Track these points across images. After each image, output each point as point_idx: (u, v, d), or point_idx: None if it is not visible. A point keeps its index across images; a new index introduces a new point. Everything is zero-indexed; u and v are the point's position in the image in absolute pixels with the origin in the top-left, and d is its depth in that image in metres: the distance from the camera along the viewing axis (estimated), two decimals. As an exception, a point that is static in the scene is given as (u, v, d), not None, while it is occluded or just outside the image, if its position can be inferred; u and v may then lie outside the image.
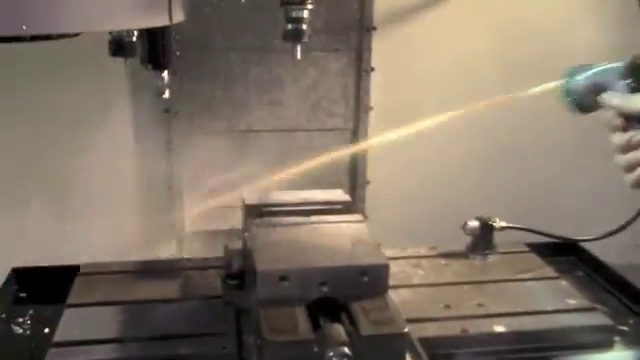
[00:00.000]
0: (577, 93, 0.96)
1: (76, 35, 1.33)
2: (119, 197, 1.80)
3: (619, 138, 0.91)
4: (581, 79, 0.96)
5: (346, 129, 1.81)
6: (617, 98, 0.92)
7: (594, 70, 0.96)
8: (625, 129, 0.91)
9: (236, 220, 1.72)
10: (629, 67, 0.92)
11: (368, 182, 1.84)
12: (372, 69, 1.79)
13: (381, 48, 1.79)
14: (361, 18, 1.75)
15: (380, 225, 1.41)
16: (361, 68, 1.78)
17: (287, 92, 1.76)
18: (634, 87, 0.91)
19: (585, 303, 1.35)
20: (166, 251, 1.81)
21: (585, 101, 0.96)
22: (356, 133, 1.81)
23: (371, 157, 1.84)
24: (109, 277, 1.43)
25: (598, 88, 0.94)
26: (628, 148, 0.89)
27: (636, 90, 0.92)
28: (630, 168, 0.89)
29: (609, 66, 0.94)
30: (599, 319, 1.30)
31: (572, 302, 1.35)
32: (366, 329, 1.06)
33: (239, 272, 1.29)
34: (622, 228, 1.42)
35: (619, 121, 0.91)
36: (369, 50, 1.77)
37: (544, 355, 1.23)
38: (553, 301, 1.34)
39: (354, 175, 1.82)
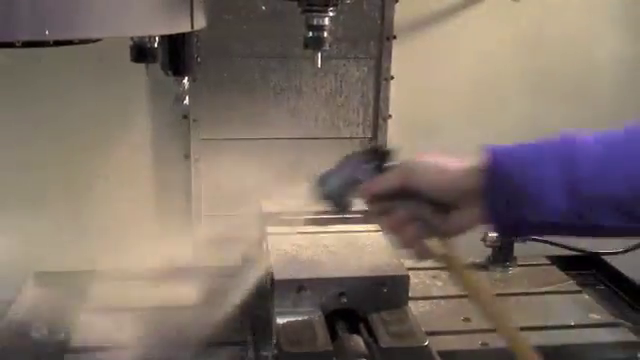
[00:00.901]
0: (334, 197, 0.97)
1: (98, 40, 1.34)
2: (136, 203, 1.79)
3: (388, 223, 0.91)
4: (332, 184, 0.97)
5: (365, 138, 1.80)
6: (367, 185, 0.93)
7: (341, 169, 0.97)
8: (387, 209, 0.91)
9: (253, 228, 1.71)
10: (367, 152, 0.95)
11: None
12: (391, 77, 1.77)
13: (401, 57, 1.77)
14: (381, 26, 1.73)
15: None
16: (380, 76, 1.77)
17: (306, 100, 1.75)
18: (375, 168, 0.93)
19: (609, 318, 1.32)
20: (183, 258, 1.80)
21: (343, 201, 0.97)
22: (375, 142, 1.80)
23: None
24: (126, 283, 1.43)
25: (349, 182, 0.95)
26: (398, 229, 0.90)
27: (378, 170, 0.93)
28: (408, 245, 0.91)
29: (348, 162, 0.96)
30: (623, 335, 1.27)
31: (595, 317, 1.32)
32: (386, 341, 1.04)
33: (258, 281, 1.28)
34: (645, 242, 1.40)
35: (381, 205, 0.92)
36: (389, 58, 1.76)
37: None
38: (576, 315, 1.32)
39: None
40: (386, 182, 0.90)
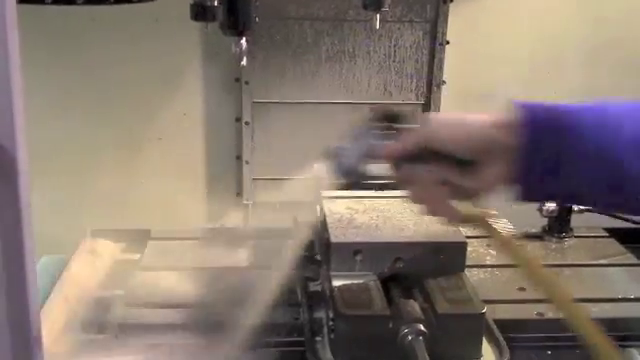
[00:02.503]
0: (351, 170, 0.93)
1: (154, -1, 1.33)
2: (187, 165, 1.81)
3: (415, 194, 0.88)
4: (349, 157, 0.92)
5: (417, 104, 1.77)
6: (384, 150, 0.89)
7: (355, 140, 0.92)
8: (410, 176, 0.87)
9: (304, 192, 1.71)
10: (378, 118, 0.90)
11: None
12: (447, 42, 1.74)
13: (457, 21, 1.73)
14: (438, -12, 1.69)
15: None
16: (436, 41, 1.73)
17: (359, 64, 1.72)
18: (385, 131, 0.89)
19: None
20: (232, 220, 1.82)
21: (359, 171, 0.93)
22: (427, 108, 1.77)
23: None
24: (179, 243, 1.44)
25: (368, 154, 0.91)
26: (425, 198, 0.87)
27: (388, 134, 0.89)
28: (436, 212, 0.88)
29: (360, 131, 0.92)
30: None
31: (656, 290, 1.29)
32: (443, 307, 1.03)
33: (310, 244, 1.28)
34: None
35: (403, 172, 0.87)
36: (445, 22, 1.72)
37: (623, 344, 1.18)
38: (634, 288, 1.28)
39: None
40: (405, 144, 0.85)
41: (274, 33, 1.69)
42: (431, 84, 1.76)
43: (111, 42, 1.68)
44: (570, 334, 1.16)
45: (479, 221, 0.88)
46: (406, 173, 0.87)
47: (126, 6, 1.35)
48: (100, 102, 1.74)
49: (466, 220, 0.89)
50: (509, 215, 1.46)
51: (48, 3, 1.04)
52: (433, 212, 0.88)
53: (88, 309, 1.24)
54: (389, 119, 0.90)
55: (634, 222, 1.49)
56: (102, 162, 1.78)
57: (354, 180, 0.96)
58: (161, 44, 1.68)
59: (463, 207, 0.86)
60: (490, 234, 0.89)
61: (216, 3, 1.10)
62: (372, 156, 0.90)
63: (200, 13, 1.11)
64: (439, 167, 0.83)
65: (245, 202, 1.79)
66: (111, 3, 1.12)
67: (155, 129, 1.78)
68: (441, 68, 1.75)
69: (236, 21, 1.13)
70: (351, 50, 1.72)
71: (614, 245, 1.45)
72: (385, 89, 1.75)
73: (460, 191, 0.84)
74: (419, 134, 0.85)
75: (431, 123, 0.85)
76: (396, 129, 0.89)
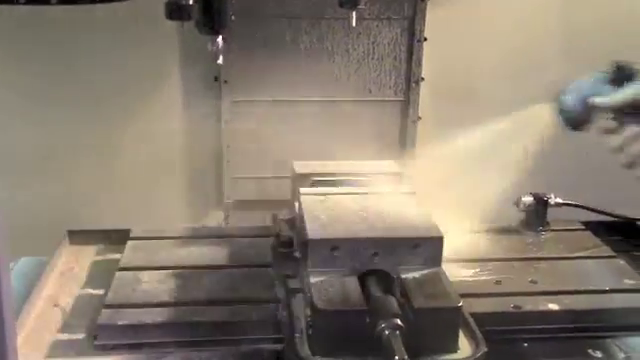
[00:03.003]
0: (569, 110, 1.00)
1: (131, -2, 1.33)
2: (168, 164, 1.81)
3: (616, 139, 0.92)
4: (570, 97, 0.99)
5: (397, 100, 1.78)
6: (601, 98, 0.94)
7: (581, 85, 0.99)
8: (618, 131, 0.92)
9: (284, 190, 1.72)
10: (611, 72, 0.95)
11: (418, 155, 1.81)
12: (425, 39, 1.75)
13: (435, 18, 1.74)
14: (415, -14, 1.71)
15: (429, 198, 1.39)
16: (414, 38, 1.74)
17: (338, 61, 1.73)
18: (617, 87, 0.94)
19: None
20: (213, 219, 1.82)
21: (578, 116, 0.99)
22: (407, 104, 1.78)
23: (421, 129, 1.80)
24: (159, 242, 1.44)
25: (587, 101, 0.97)
26: (626, 144, 0.90)
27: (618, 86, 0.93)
28: (631, 164, 0.91)
29: (594, 77, 0.98)
30: (658, 300, 1.26)
31: (630, 282, 1.31)
32: (419, 302, 1.04)
33: (289, 241, 1.29)
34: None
35: (612, 124, 0.92)
36: (423, 19, 1.73)
37: (598, 335, 1.20)
38: (609, 280, 1.30)
39: (404, 147, 1.80)
40: (620, 97, 0.90)
41: (253, 32, 1.69)
42: (410, 81, 1.77)
43: (89, 42, 1.67)
44: (546, 326, 1.20)
45: None
46: (614, 124, 0.92)
47: (103, 6, 1.35)
48: (79, 102, 1.73)
49: None
50: (485, 210, 1.49)
51: (21, 3, 1.04)
52: (630, 163, 0.92)
53: (68, 310, 1.24)
54: (622, 74, 0.95)
55: (610, 215, 1.51)
56: (82, 162, 1.78)
57: (572, 124, 1.01)
58: (140, 44, 1.68)
59: None
60: None
61: (191, 1, 1.09)
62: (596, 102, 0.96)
63: (175, 12, 1.10)
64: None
65: (226, 201, 1.79)
66: (86, 3, 1.11)
67: (135, 129, 1.78)
68: (419, 65, 1.76)
69: (212, 19, 1.12)
70: (330, 48, 1.72)
71: (590, 238, 1.47)
72: (364, 86, 1.76)
73: None
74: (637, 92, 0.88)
75: None
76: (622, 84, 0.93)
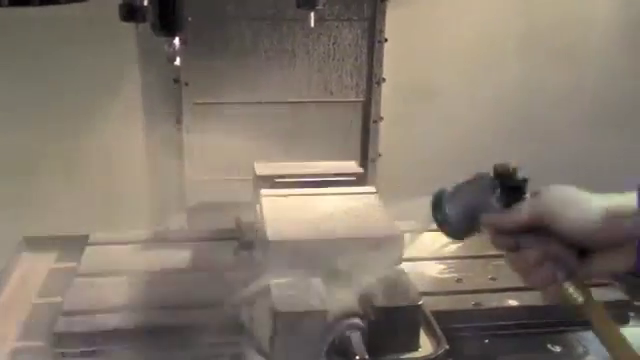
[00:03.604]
0: (451, 222, 0.87)
1: (84, 0, 1.31)
2: (128, 168, 1.78)
3: (516, 261, 0.83)
4: (453, 206, 0.86)
5: (358, 101, 1.78)
6: (493, 218, 0.84)
7: (463, 193, 0.87)
8: (516, 245, 0.83)
9: (247, 192, 1.71)
10: (494, 178, 0.85)
11: (380, 155, 1.82)
12: (385, 40, 1.75)
13: (395, 18, 1.75)
14: (375, -13, 1.71)
15: (391, 198, 1.39)
16: (374, 39, 1.74)
17: (299, 63, 1.73)
18: (505, 198, 0.84)
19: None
20: (176, 222, 1.80)
21: (462, 229, 0.87)
22: (368, 105, 1.78)
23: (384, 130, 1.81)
24: (118, 247, 1.42)
25: (472, 211, 0.85)
26: (529, 269, 0.82)
27: (507, 201, 0.84)
28: (540, 287, 0.82)
29: (475, 184, 0.86)
30: (615, 294, 1.28)
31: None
32: (380, 301, 1.04)
33: (251, 243, 1.28)
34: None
35: (508, 240, 0.83)
36: (383, 20, 1.73)
37: (558, 330, 1.22)
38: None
39: (365, 148, 1.80)
40: (517, 218, 0.81)
41: (212, 33, 1.67)
42: (371, 81, 1.77)
43: (44, 45, 1.64)
44: (506, 322, 1.21)
45: (581, 305, 0.81)
46: (511, 243, 0.83)
47: (56, 8, 1.32)
48: (36, 107, 1.69)
49: (568, 302, 0.81)
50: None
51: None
52: (535, 286, 0.83)
53: (25, 318, 1.22)
54: (505, 180, 0.84)
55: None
56: (40, 168, 1.74)
57: (453, 234, 0.89)
58: (97, 46, 1.65)
59: (565, 286, 0.80)
60: (587, 315, 0.82)
61: (146, 3, 1.08)
62: (475, 217, 0.85)
63: (129, 13, 1.09)
64: (549, 245, 0.80)
65: (189, 204, 1.77)
66: (37, 4, 1.09)
67: (94, 133, 1.75)
68: (380, 65, 1.77)
69: (167, 21, 1.11)
70: (290, 49, 1.71)
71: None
72: (325, 87, 1.76)
73: (568, 272, 0.80)
74: (535, 212, 0.80)
75: (550, 202, 0.81)
76: (509, 195, 0.83)
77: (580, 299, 0.80)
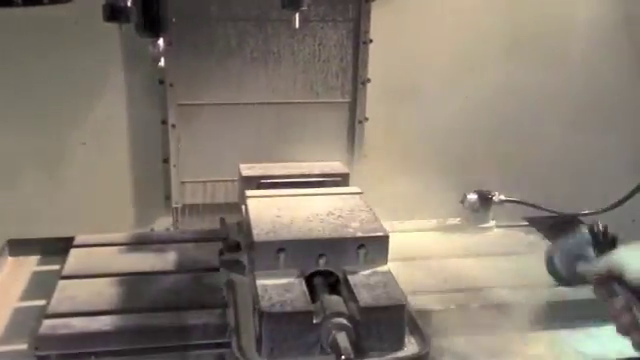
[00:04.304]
0: (557, 271, 1.04)
1: (68, 0, 1.30)
2: (113, 170, 1.77)
3: (609, 309, 0.94)
4: (557, 257, 1.04)
5: (344, 102, 1.78)
6: (584, 265, 0.99)
7: (569, 245, 1.03)
8: (608, 295, 0.94)
9: (232, 193, 1.70)
10: (590, 235, 1.01)
11: (365, 155, 1.82)
12: (370, 41, 1.76)
13: (380, 19, 1.75)
14: (360, -12, 1.71)
15: (377, 198, 1.40)
16: (359, 40, 1.75)
17: (284, 64, 1.72)
18: (598, 251, 0.99)
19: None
20: (161, 224, 1.79)
21: (567, 277, 1.03)
22: (354, 105, 1.78)
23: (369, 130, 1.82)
24: (104, 249, 1.42)
25: (575, 260, 1.01)
26: (616, 316, 0.93)
27: (600, 253, 0.97)
28: (625, 332, 0.92)
29: (579, 237, 1.02)
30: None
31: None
32: (365, 300, 1.05)
33: (236, 244, 1.28)
34: (620, 203, 1.42)
35: (602, 290, 0.95)
36: (367, 21, 1.73)
37: (543, 327, 1.23)
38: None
39: (351, 148, 1.80)
40: (595, 270, 0.94)
41: (198, 34, 1.67)
42: (356, 82, 1.78)
43: (29, 46, 1.63)
44: (490, 321, 1.22)
45: None
46: (606, 291, 0.94)
47: (40, 9, 1.31)
48: (21, 108, 1.68)
49: None
50: (430, 206, 1.52)
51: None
52: (621, 332, 0.93)
53: (8, 321, 1.20)
54: (596, 234, 1.01)
55: (550, 211, 1.55)
56: (25, 169, 1.72)
57: (564, 283, 1.05)
58: (82, 47, 1.64)
59: None
60: None
61: (129, 3, 1.08)
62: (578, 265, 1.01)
63: (113, 14, 1.09)
64: (627, 295, 0.91)
65: (174, 205, 1.77)
66: (20, 5, 1.09)
67: (78, 134, 1.74)
68: (365, 66, 1.77)
69: (151, 22, 1.11)
70: (276, 50, 1.71)
71: (534, 234, 1.50)
72: (311, 88, 1.76)
73: None
74: (608, 267, 0.92)
75: (616, 252, 0.93)
76: (601, 248, 0.98)
77: None
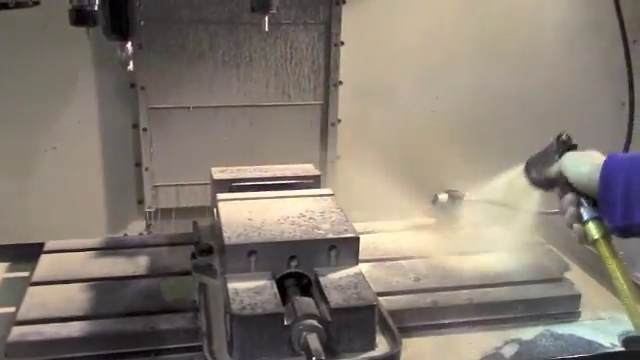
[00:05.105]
0: (532, 175, 1.14)
1: (35, 4, 1.29)
2: (85, 174, 1.76)
3: (559, 203, 1.06)
4: (531, 168, 1.14)
5: (316, 104, 1.79)
6: (548, 171, 1.08)
7: (539, 154, 1.13)
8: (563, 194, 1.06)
9: (205, 197, 1.70)
10: (556, 143, 1.09)
11: (338, 157, 1.83)
12: (342, 43, 1.77)
13: (351, 22, 1.77)
14: (330, -10, 1.72)
15: (350, 199, 1.40)
16: (330, 42, 1.76)
17: (256, 67, 1.73)
18: (559, 157, 1.07)
19: (554, 274, 1.37)
20: (134, 228, 1.78)
21: (539, 180, 1.12)
22: (326, 107, 1.79)
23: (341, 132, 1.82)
24: (75, 255, 1.40)
25: (543, 167, 1.10)
26: (563, 210, 1.05)
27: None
28: (569, 225, 1.04)
29: (548, 147, 1.11)
30: (567, 289, 1.32)
31: (541, 273, 1.36)
32: (336, 302, 1.05)
33: (208, 248, 1.28)
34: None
35: (558, 189, 1.07)
36: (338, 24, 1.75)
37: (514, 325, 1.25)
38: (522, 272, 1.35)
39: (324, 150, 1.81)
40: (548, 173, 1.07)
41: (169, 38, 1.67)
42: (328, 84, 1.79)
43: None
44: (464, 320, 1.23)
45: (596, 246, 1.01)
46: (559, 191, 1.06)
47: (9, 13, 1.30)
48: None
49: (586, 242, 1.02)
50: (402, 206, 1.53)
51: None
52: (564, 222, 1.04)
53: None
54: (562, 145, 1.08)
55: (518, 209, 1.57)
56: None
57: (541, 189, 1.13)
58: (51, 51, 1.63)
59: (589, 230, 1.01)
60: (599, 250, 1.01)
61: (96, 7, 1.07)
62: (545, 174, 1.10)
63: (79, 18, 1.08)
64: (572, 194, 1.02)
65: (147, 209, 1.76)
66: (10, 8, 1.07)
67: (49, 139, 1.72)
68: (337, 68, 1.78)
69: (119, 25, 1.11)
70: (247, 53, 1.72)
71: (505, 233, 1.52)
72: (283, 91, 1.77)
73: (587, 213, 1.01)
74: (556, 167, 1.05)
75: (564, 158, 1.04)
76: (563, 151, 1.07)
77: (596, 236, 0.99)
